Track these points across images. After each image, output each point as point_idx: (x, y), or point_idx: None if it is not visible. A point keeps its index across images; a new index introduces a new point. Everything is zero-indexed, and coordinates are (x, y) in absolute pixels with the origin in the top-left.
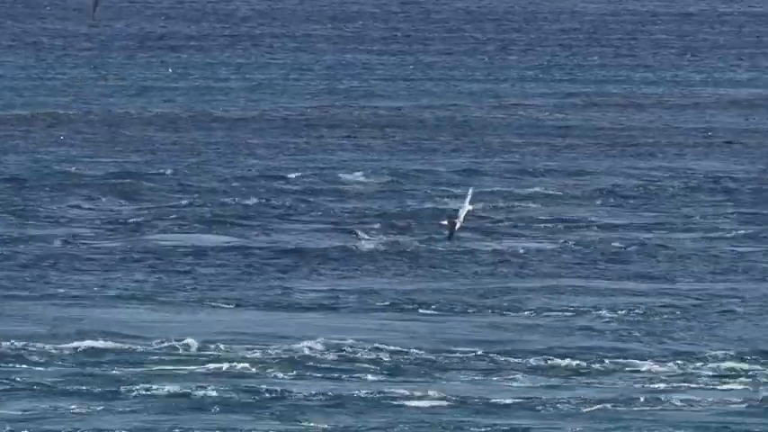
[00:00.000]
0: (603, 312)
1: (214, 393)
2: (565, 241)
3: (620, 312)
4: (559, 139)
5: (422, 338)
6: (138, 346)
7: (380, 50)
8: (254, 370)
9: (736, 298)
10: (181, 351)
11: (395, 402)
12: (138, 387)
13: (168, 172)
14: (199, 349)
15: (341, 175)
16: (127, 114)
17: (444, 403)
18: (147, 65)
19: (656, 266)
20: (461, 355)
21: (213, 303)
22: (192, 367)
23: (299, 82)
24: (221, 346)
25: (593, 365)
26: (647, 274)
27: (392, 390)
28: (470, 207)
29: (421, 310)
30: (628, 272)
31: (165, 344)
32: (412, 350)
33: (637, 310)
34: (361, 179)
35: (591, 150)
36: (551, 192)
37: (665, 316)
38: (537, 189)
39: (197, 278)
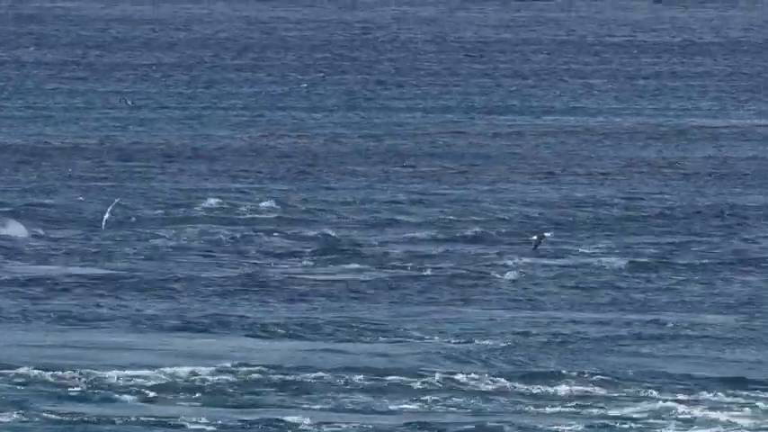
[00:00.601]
0: (465, 338)
1: (88, 415)
2: (438, 268)
3: (481, 340)
4: (477, 167)
5: (283, 363)
6: (17, 371)
7: (298, 80)
8: (119, 395)
9: (600, 325)
10: (51, 377)
11: (261, 426)
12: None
13: (80, 199)
14: (60, 375)
15: (248, 203)
16: (47, 143)
17: (325, 429)
18: (70, 93)
19: (525, 294)
20: (325, 379)
21: (73, 327)
22: (59, 389)
23: (220, 112)
24: (77, 371)
25: (458, 388)
26: (515, 300)
27: (270, 415)
28: (108, 215)
29: (280, 336)
30: (498, 299)
31: (34, 370)
32: (275, 375)
33: (501, 337)
34: (272, 207)
35: (501, 178)
36: (445, 218)
37: (525, 344)
38: (428, 218)
39: (55, 305)
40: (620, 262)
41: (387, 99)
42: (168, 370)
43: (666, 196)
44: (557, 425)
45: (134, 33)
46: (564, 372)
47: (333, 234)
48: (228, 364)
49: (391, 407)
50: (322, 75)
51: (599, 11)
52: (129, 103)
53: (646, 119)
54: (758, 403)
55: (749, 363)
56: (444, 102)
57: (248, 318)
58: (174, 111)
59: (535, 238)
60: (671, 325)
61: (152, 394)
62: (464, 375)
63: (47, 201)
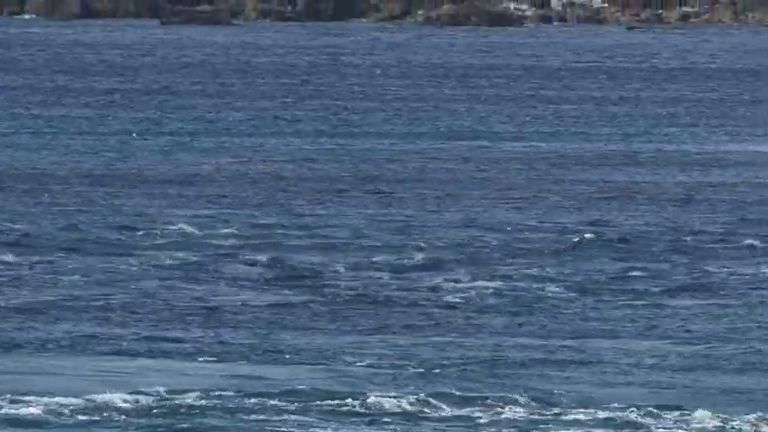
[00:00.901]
0: (397, 363)
1: None
2: (383, 293)
3: (413, 365)
4: (446, 192)
5: (220, 388)
6: None
7: (263, 108)
8: (50, 418)
9: (532, 350)
10: None
11: None
12: None
13: (44, 223)
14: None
15: (210, 229)
16: (16, 169)
17: None
18: (37, 118)
19: (462, 319)
20: (260, 404)
21: (7, 352)
22: None
23: (188, 138)
24: (7, 396)
25: (389, 413)
26: (450, 325)
27: None
28: None
29: (217, 361)
30: (434, 324)
31: None
32: (211, 400)
33: (432, 361)
34: (234, 233)
35: (470, 204)
36: (405, 244)
37: (457, 369)
38: (388, 244)
39: None
40: (566, 288)
41: (355, 125)
42: (104, 396)
43: (632, 222)
44: None
45: (102, 58)
46: (493, 396)
47: (288, 260)
48: (163, 390)
49: (322, 431)
50: (290, 100)
51: (571, 37)
52: (134, 135)
53: (615, 145)
54: (686, 430)
55: (682, 388)
56: (413, 127)
57: (185, 343)
58: (143, 137)
59: (577, 240)
60: (604, 350)
61: (85, 418)
62: (395, 400)
63: (15, 226)
